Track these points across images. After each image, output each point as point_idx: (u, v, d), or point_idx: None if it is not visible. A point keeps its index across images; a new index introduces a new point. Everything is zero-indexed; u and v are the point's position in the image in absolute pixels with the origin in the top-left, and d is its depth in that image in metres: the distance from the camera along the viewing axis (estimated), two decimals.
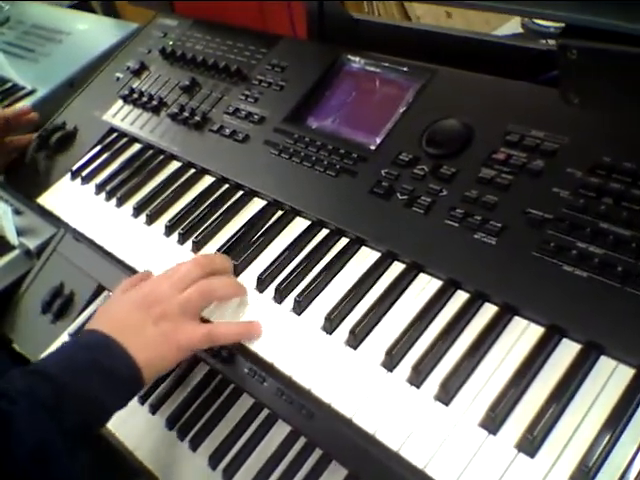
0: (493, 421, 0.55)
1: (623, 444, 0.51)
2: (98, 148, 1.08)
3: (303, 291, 0.71)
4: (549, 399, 0.54)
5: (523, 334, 0.60)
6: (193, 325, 0.71)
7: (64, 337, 1.02)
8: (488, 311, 0.63)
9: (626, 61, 0.53)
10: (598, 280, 0.59)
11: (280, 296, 0.73)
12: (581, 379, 0.55)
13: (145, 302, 0.72)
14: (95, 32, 1.44)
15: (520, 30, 1.72)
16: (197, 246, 0.83)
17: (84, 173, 1.03)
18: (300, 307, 0.71)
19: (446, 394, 0.58)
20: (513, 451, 0.53)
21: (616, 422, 0.52)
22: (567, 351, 0.58)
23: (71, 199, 1.02)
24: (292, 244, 0.78)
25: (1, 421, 0.58)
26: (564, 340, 0.59)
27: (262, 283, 0.75)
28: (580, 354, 0.57)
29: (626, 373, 0.55)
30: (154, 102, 1.07)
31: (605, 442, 0.51)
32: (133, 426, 0.80)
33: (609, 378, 0.55)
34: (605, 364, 0.56)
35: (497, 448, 0.54)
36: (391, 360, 0.62)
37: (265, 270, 0.76)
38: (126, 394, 0.67)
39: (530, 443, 0.52)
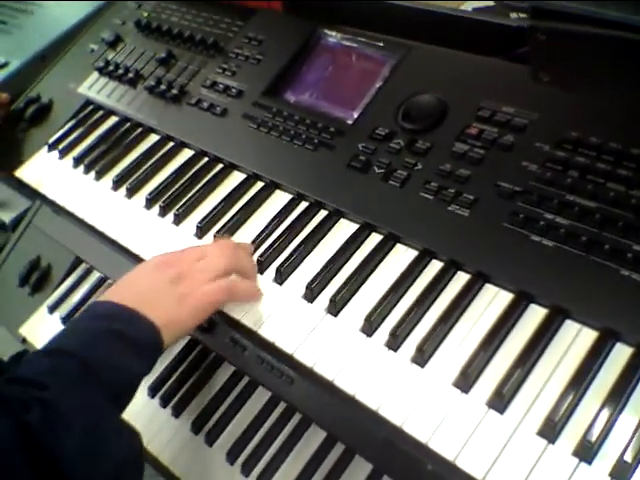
0: (466, 381, 0.58)
1: (588, 402, 0.55)
2: (74, 121, 1.08)
3: (284, 262, 0.74)
4: (518, 359, 0.58)
5: (494, 300, 0.64)
6: (212, 283, 0.69)
7: (43, 309, 1.03)
8: (461, 279, 0.67)
9: (593, 42, 0.56)
10: (564, 249, 0.63)
11: (262, 267, 0.75)
12: (547, 341, 0.59)
13: (162, 265, 0.70)
14: (67, 3, 1.41)
15: (492, 3, 1.75)
16: (178, 219, 0.84)
17: (61, 146, 1.04)
18: (282, 277, 0.73)
19: (422, 357, 0.61)
20: (484, 408, 0.57)
21: (581, 381, 0.56)
22: (535, 315, 0.61)
23: (49, 172, 1.02)
24: (272, 217, 0.80)
25: (41, 409, 0.53)
26: (532, 305, 0.62)
27: None
28: (546, 318, 0.61)
29: (589, 335, 0.59)
30: (130, 75, 1.07)
31: (570, 399, 0.55)
32: None
33: (574, 340, 0.59)
34: (570, 327, 0.60)
35: (469, 405, 0.57)
36: (370, 326, 0.65)
37: None
38: (149, 358, 0.65)
39: (500, 400, 0.56)
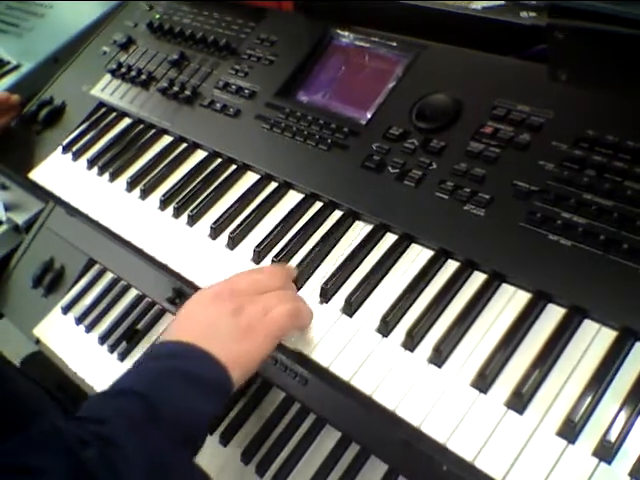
0: (484, 381, 0.58)
1: (607, 401, 0.54)
2: (88, 123, 1.08)
3: (300, 263, 0.74)
4: (537, 359, 0.58)
5: (511, 300, 0.63)
6: (278, 308, 0.65)
7: (57, 310, 1.04)
8: (478, 279, 0.66)
9: (612, 40, 0.55)
10: (582, 248, 0.62)
11: None
12: (566, 341, 0.59)
13: (220, 297, 0.66)
14: (78, 5, 1.42)
15: (502, 2, 1.75)
16: (192, 220, 0.84)
17: (75, 148, 1.04)
18: (298, 279, 0.73)
19: (439, 357, 0.61)
20: (503, 408, 0.56)
21: (600, 381, 0.55)
22: (553, 315, 0.61)
23: (63, 174, 1.03)
24: (286, 217, 0.80)
25: (100, 444, 0.50)
26: (549, 305, 0.62)
27: (258, 255, 0.77)
28: (565, 318, 0.60)
29: (609, 335, 0.58)
30: (143, 76, 1.07)
31: (590, 399, 0.54)
32: None
33: (593, 340, 0.58)
34: (589, 327, 0.59)
35: (488, 406, 0.57)
36: (386, 326, 0.65)
37: (261, 243, 0.78)
38: (217, 397, 0.60)
39: (519, 400, 0.56)
